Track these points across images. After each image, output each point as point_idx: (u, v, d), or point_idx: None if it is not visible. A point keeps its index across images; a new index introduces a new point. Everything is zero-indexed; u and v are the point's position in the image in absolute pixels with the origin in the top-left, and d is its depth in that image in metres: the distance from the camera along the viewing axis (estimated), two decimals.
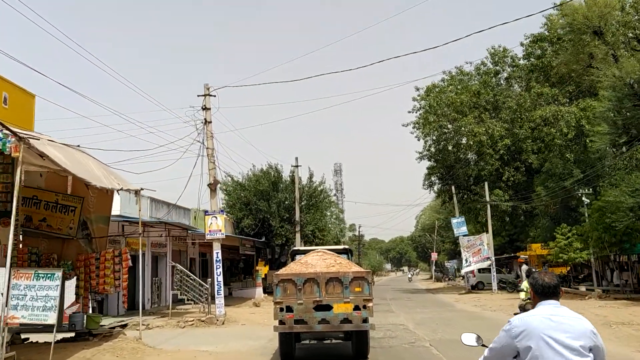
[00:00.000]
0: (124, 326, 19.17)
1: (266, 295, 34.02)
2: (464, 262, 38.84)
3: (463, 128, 38.37)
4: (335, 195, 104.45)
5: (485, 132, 37.67)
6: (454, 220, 40.04)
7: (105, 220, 13.81)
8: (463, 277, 63.59)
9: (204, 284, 20.75)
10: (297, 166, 33.63)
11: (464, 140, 41.07)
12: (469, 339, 3.82)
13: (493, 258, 37.56)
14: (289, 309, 10.01)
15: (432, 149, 44.98)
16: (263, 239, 35.24)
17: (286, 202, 34.18)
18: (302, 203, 35.40)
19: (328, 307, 10.01)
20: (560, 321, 3.12)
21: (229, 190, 34.85)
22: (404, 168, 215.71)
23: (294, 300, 9.95)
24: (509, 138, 38.17)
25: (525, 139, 38.07)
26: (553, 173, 32.65)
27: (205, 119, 19.98)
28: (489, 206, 37.83)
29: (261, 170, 34.66)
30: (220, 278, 19.73)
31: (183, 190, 32.76)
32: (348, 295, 9.99)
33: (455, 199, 41.07)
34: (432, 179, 47.73)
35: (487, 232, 37.90)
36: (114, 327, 14.16)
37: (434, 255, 67.93)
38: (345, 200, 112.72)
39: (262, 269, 34.72)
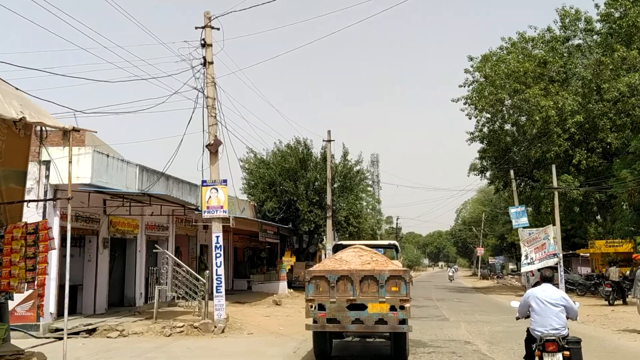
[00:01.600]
0: (91, 331, 14.30)
1: (291, 290, 28.92)
2: (523, 258, 32.71)
3: (525, 102, 32.15)
4: (371, 186, 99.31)
5: (554, 105, 31.41)
6: (512, 210, 33.91)
7: (18, 178, 8.78)
8: (514, 274, 57.69)
9: (200, 278, 15.61)
10: (329, 141, 28.28)
11: (523, 119, 34.83)
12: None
13: (561, 255, 31.39)
14: (321, 307, 9.41)
15: (486, 129, 38.86)
16: (289, 225, 30.06)
17: (316, 184, 28.91)
18: (335, 185, 30.05)
19: (362, 307, 9.39)
20: (546, 291, 7.03)
21: (251, 168, 29.78)
22: (451, 154, 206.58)
23: (327, 298, 9.37)
24: (582, 114, 31.81)
25: (602, 115, 31.63)
26: None
27: (204, 59, 14.81)
28: (556, 193, 31.56)
29: (287, 146, 29.48)
30: (221, 270, 14.63)
31: (174, 155, 27.33)
32: (384, 294, 9.34)
33: (514, 184, 34.90)
34: (484, 163, 41.61)
35: (553, 224, 31.71)
36: (36, 346, 9.11)
37: (480, 251, 61.55)
38: (381, 191, 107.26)
39: (288, 260, 29.65)
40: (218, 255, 14.54)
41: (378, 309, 9.29)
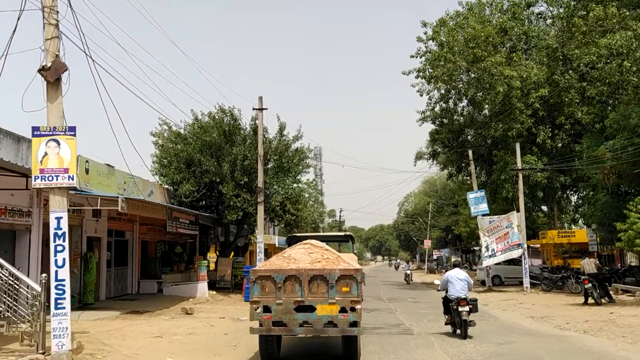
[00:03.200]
0: None
1: (214, 292, 23.37)
2: (483, 250, 28.61)
3: (486, 72, 27.87)
4: (314, 180, 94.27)
5: (518, 76, 27.30)
6: (470, 196, 29.69)
7: None
8: (464, 268, 54.01)
9: (32, 283, 9.76)
10: (261, 109, 22.77)
11: (481, 94, 30.66)
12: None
13: (525, 245, 27.38)
14: (267, 310, 8.71)
15: (438, 108, 34.54)
16: (213, 214, 24.41)
17: (245, 162, 23.43)
18: (269, 165, 24.66)
19: (311, 308, 8.72)
20: (457, 272, 12.73)
21: (163, 143, 23.88)
22: (397, 140, 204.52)
23: (273, 299, 8.70)
24: (546, 87, 27.89)
25: (569, 87, 27.83)
26: (622, 126, 22.37)
27: None
28: (520, 176, 27.52)
29: (210, 115, 23.68)
30: (65, 272, 8.89)
31: None
32: (334, 295, 8.68)
33: (472, 166, 30.67)
34: (435, 147, 37.36)
35: (517, 210, 27.70)
36: None
37: (427, 243, 57.69)
38: (324, 185, 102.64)
39: (212, 257, 24.06)
40: (59, 249, 8.84)
41: (327, 311, 8.71)
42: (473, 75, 28.98)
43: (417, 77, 32.64)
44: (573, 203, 33.56)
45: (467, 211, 59.33)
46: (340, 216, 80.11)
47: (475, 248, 52.75)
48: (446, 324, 12.97)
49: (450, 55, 28.12)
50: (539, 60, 28.12)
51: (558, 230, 39.03)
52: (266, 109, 22.96)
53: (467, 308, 11.93)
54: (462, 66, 27.96)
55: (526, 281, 26.92)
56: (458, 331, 12.34)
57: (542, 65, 27.90)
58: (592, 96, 25.64)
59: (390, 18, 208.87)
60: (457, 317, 12.18)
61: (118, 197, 15.12)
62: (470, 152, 30.53)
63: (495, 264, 33.71)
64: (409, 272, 38.49)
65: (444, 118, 35.11)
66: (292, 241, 12.22)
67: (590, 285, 19.49)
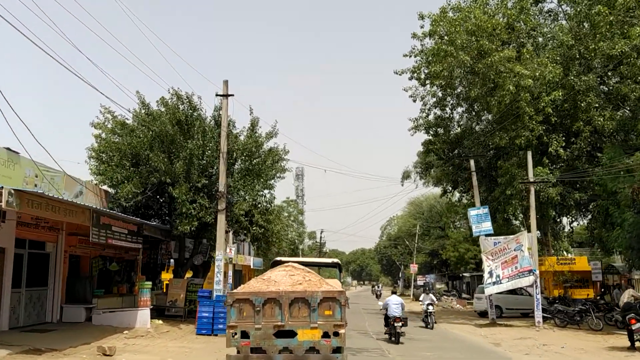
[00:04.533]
0: None
1: (161, 322, 18.51)
2: (486, 276, 24.15)
3: (492, 70, 23.86)
4: (295, 200, 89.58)
5: (530, 74, 23.31)
6: (472, 212, 25.35)
7: None
8: (449, 295, 49.61)
9: None
10: (226, 95, 18.24)
11: (484, 95, 26.60)
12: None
13: (537, 272, 22.99)
14: (245, 335, 8.19)
15: (432, 116, 30.45)
16: (165, 225, 19.66)
17: (204, 160, 18.83)
18: (235, 166, 20.09)
19: (291, 334, 8.22)
20: (394, 298, 17.99)
21: (105, 134, 19.16)
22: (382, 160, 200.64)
23: (251, 324, 8.20)
24: (559, 90, 23.93)
25: (587, 90, 23.91)
26: None
27: None
28: (532, 190, 23.28)
29: (162, 101, 19.03)
30: None
31: None
32: (316, 319, 8.20)
33: (474, 179, 26.35)
34: (429, 159, 33.18)
35: (528, 229, 23.41)
36: None
37: (414, 268, 53.05)
38: (306, 203, 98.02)
39: (166, 279, 19.29)
40: None
41: (309, 336, 8.19)
42: (476, 73, 24.84)
43: (410, 78, 28.59)
44: (571, 226, 29.44)
45: (455, 234, 55.40)
46: (321, 238, 75.30)
47: (465, 274, 48.38)
48: (385, 333, 17.79)
49: (452, 48, 24.05)
50: (552, 59, 24.20)
51: (557, 257, 34.97)
52: (232, 95, 18.46)
53: (400, 324, 16.85)
54: (465, 61, 23.85)
55: (538, 315, 22.45)
56: (393, 338, 16.82)
57: (556, 64, 23.95)
58: (622, 96, 21.63)
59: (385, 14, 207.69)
60: (393, 329, 16.90)
61: (2, 187, 10.40)
62: (472, 162, 26.30)
63: (496, 293, 29.45)
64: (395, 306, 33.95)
65: (439, 127, 31.02)
66: (275, 265, 10.87)
67: (638, 325, 15.02)
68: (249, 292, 8.39)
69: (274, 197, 20.28)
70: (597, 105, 23.55)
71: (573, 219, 27.65)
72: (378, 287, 63.05)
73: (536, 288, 22.67)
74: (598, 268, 34.30)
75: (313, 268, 10.56)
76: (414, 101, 30.41)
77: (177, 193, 17.63)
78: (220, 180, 18.25)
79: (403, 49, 66.29)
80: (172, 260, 22.31)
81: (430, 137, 31.41)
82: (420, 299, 24.54)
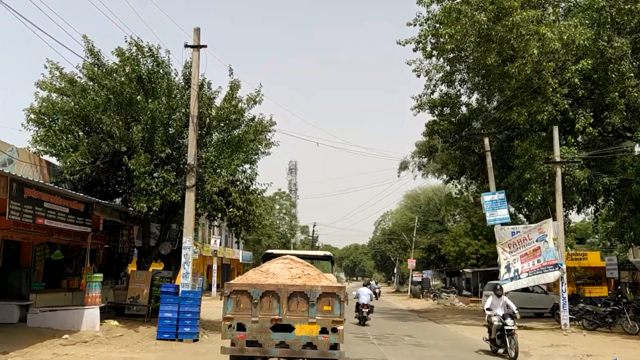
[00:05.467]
0: None
1: (116, 322, 15.02)
2: (502, 271, 20.70)
3: (514, 33, 20.45)
4: (289, 194, 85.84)
5: (558, 37, 19.91)
6: (486, 198, 21.90)
7: None
8: (448, 292, 46.14)
9: None
10: (197, 47, 14.66)
11: (500, 62, 23.17)
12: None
13: (564, 266, 19.63)
14: (241, 327, 7.98)
15: (439, 93, 27.06)
16: (117, 202, 16.10)
17: (171, 129, 15.28)
18: (211, 137, 16.55)
19: (289, 328, 8.01)
20: (365, 289, 21.54)
21: (53, 95, 15.50)
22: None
23: (248, 316, 7.99)
24: (587, 59, 20.54)
25: (620, 58, 20.57)
26: None
27: None
28: (559, 171, 19.90)
29: (118, 52, 15.36)
30: None
31: None
32: (314, 314, 8.00)
33: (489, 159, 22.88)
34: (433, 143, 29.73)
35: (553, 217, 20.04)
36: None
37: (411, 263, 49.63)
38: (299, 197, 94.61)
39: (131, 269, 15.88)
40: None
41: (307, 331, 7.93)
42: (492, 40, 21.41)
43: (415, 49, 25.12)
44: (596, 215, 25.97)
45: (455, 228, 52.13)
46: (313, 231, 71.89)
47: (467, 270, 44.95)
48: (355, 317, 20.98)
49: (466, 7, 20.59)
50: (581, 23, 20.78)
51: (568, 252, 31.73)
52: (204, 46, 14.90)
53: (367, 310, 20.76)
54: (482, 22, 20.39)
55: (565, 316, 19.09)
56: (361, 321, 20.56)
57: (586, 27, 20.55)
58: None
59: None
60: (361, 314, 20.73)
61: None
62: (486, 140, 22.87)
63: (514, 290, 26.21)
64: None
65: (446, 105, 27.62)
66: (267, 258, 11.07)
67: None
68: (247, 284, 8.21)
69: (256, 174, 16.69)
70: (632, 74, 20.18)
71: (598, 207, 24.27)
72: (375, 284, 54.30)
73: (562, 285, 19.31)
74: (614, 264, 30.95)
75: (306, 261, 9.93)
76: (418, 76, 26.91)
77: (134, 164, 14.06)
78: (190, 150, 14.73)
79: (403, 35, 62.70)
80: (136, 250, 18.74)
81: (435, 118, 28.00)
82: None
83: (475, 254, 44.19)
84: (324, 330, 7.96)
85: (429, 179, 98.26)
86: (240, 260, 51.51)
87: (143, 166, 14.13)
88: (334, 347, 8.05)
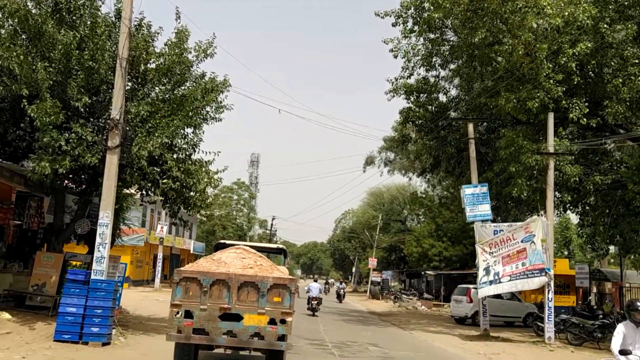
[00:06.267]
0: None
1: (9, 315, 11.52)
2: (480, 273, 18.04)
3: (508, 5, 17.89)
4: (247, 185, 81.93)
5: (559, 13, 17.45)
6: (467, 191, 19.22)
7: None
8: (408, 294, 43.70)
9: None
10: None
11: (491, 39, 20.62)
12: None
13: (552, 272, 17.17)
14: (189, 315, 7.82)
15: (417, 77, 24.43)
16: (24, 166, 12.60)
17: (92, 72, 11.84)
18: (147, 90, 13.21)
19: (237, 317, 7.89)
20: (315, 284, 25.04)
21: None
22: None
23: (197, 304, 7.84)
24: (586, 42, 18.18)
25: (622, 43, 18.33)
26: None
27: None
28: (551, 164, 17.45)
29: None
30: None
31: None
32: (264, 305, 7.90)
33: (472, 148, 20.25)
34: (405, 132, 27.06)
35: (542, 214, 17.58)
36: None
37: (372, 262, 47.06)
38: (259, 191, 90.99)
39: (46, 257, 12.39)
40: None
41: (255, 321, 7.86)
42: (482, 15, 18.82)
43: (395, 23, 22.34)
44: (581, 218, 23.88)
45: (419, 229, 49.88)
46: (272, 225, 68.63)
47: (429, 272, 42.64)
48: (308, 309, 23.55)
49: None
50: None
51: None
52: None
53: (316, 302, 23.56)
54: None
55: (550, 328, 16.61)
56: (311, 312, 23.36)
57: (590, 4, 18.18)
58: None
59: None
60: (311, 306, 23.56)
61: None
62: (470, 126, 20.25)
63: (492, 295, 23.81)
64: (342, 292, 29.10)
65: (423, 92, 25.02)
66: (219, 248, 10.35)
67: None
68: (197, 272, 8.11)
69: (201, 140, 13.43)
70: (636, 60, 17.91)
71: (586, 208, 22.03)
72: (340, 284, 44.78)
73: (549, 292, 16.83)
74: (585, 273, 28.93)
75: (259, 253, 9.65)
76: (395, 57, 24.02)
77: (35, 112, 10.62)
78: (115, 101, 11.42)
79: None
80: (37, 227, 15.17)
81: (411, 105, 25.36)
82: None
83: (438, 256, 41.89)
84: (272, 321, 7.90)
85: (395, 177, 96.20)
86: (192, 251, 47.78)
87: (48, 115, 10.70)
88: (282, 338, 8.03)
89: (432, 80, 24.91)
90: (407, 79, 24.55)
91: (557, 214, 22.45)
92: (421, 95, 25.22)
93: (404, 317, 25.94)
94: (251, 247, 10.05)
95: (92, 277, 11.32)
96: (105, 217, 11.51)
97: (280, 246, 13.40)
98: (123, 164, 11.84)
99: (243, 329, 7.84)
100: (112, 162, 11.50)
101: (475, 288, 24.80)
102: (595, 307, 24.86)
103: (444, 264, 42.02)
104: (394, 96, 25.17)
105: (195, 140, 13.20)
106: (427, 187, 32.20)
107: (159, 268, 32.78)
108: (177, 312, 7.85)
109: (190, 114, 12.87)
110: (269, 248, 15.01)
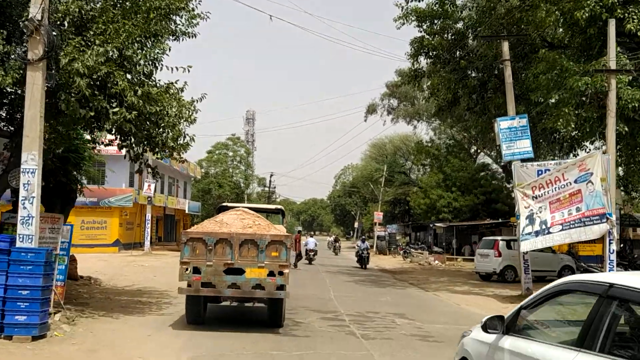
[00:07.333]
0: None
1: None
2: (522, 222, 14.62)
3: None
4: (243, 141, 77.78)
5: None
6: (502, 125, 15.62)
7: None
8: (417, 248, 40.93)
9: None
10: None
11: None
12: None
13: (614, 217, 13.92)
14: (197, 271, 8.60)
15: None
16: None
17: None
18: None
19: (240, 271, 8.66)
20: (312, 239, 31.61)
21: None
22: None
23: (203, 261, 8.60)
24: None
25: None
26: None
27: None
28: (613, 84, 13.86)
29: None
30: None
31: None
32: (263, 259, 8.63)
33: (508, 72, 16.53)
34: (416, 65, 23.17)
35: (604, 149, 14.19)
36: None
37: (378, 216, 43.94)
38: (256, 149, 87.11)
39: None
40: None
41: (256, 274, 8.62)
42: None
43: None
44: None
45: (426, 179, 46.51)
46: (270, 182, 65.36)
47: (439, 224, 39.52)
48: (305, 259, 27.16)
49: None
50: None
51: None
52: None
53: (312, 253, 27.77)
54: None
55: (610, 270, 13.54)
56: (308, 261, 27.15)
57: None
58: None
59: None
60: (308, 256, 27.35)
61: None
62: (505, 46, 16.43)
63: (509, 248, 20.74)
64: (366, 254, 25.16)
65: (437, 17, 21.19)
66: (221, 210, 11.17)
67: None
68: (203, 232, 8.80)
69: (165, 53, 9.70)
70: None
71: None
72: (336, 242, 44.30)
73: (610, 244, 13.57)
74: (615, 218, 25.70)
75: (258, 214, 10.38)
76: None
77: None
78: None
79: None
80: None
81: (423, 33, 21.56)
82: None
83: (447, 207, 38.71)
84: (271, 274, 8.56)
85: (398, 126, 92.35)
86: (187, 211, 44.60)
87: None
88: (281, 287, 8.69)
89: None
90: (418, 1, 20.80)
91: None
92: (435, 21, 21.45)
93: (421, 275, 22.89)
94: (251, 208, 10.60)
95: (19, 244, 7.96)
96: (31, 159, 8.09)
97: (279, 207, 14.27)
98: (52, 86, 8.24)
99: (245, 281, 8.56)
100: (35, 82, 7.94)
101: (504, 240, 21.87)
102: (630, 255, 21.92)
103: (453, 216, 38.95)
104: (403, 23, 21.40)
105: (156, 54, 9.47)
106: (434, 135, 28.77)
107: (147, 230, 29.54)
108: (187, 269, 8.54)
109: (150, 16, 9.16)
110: (268, 209, 15.78)
